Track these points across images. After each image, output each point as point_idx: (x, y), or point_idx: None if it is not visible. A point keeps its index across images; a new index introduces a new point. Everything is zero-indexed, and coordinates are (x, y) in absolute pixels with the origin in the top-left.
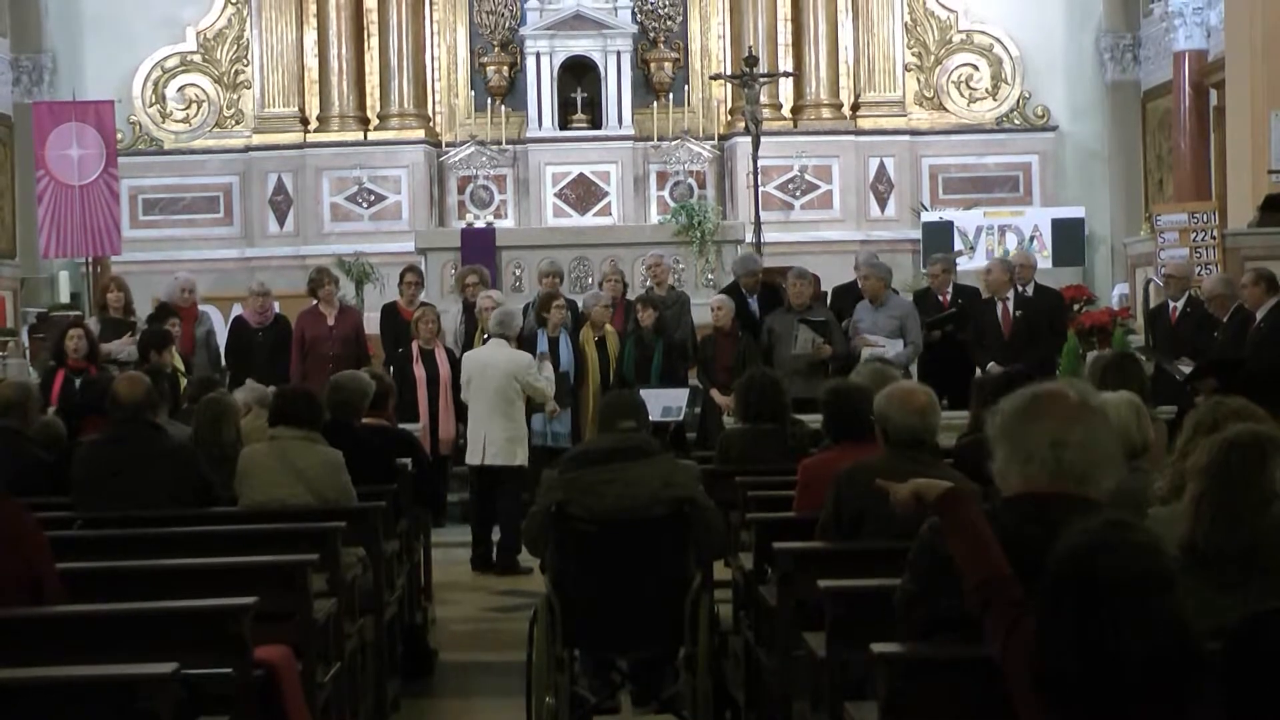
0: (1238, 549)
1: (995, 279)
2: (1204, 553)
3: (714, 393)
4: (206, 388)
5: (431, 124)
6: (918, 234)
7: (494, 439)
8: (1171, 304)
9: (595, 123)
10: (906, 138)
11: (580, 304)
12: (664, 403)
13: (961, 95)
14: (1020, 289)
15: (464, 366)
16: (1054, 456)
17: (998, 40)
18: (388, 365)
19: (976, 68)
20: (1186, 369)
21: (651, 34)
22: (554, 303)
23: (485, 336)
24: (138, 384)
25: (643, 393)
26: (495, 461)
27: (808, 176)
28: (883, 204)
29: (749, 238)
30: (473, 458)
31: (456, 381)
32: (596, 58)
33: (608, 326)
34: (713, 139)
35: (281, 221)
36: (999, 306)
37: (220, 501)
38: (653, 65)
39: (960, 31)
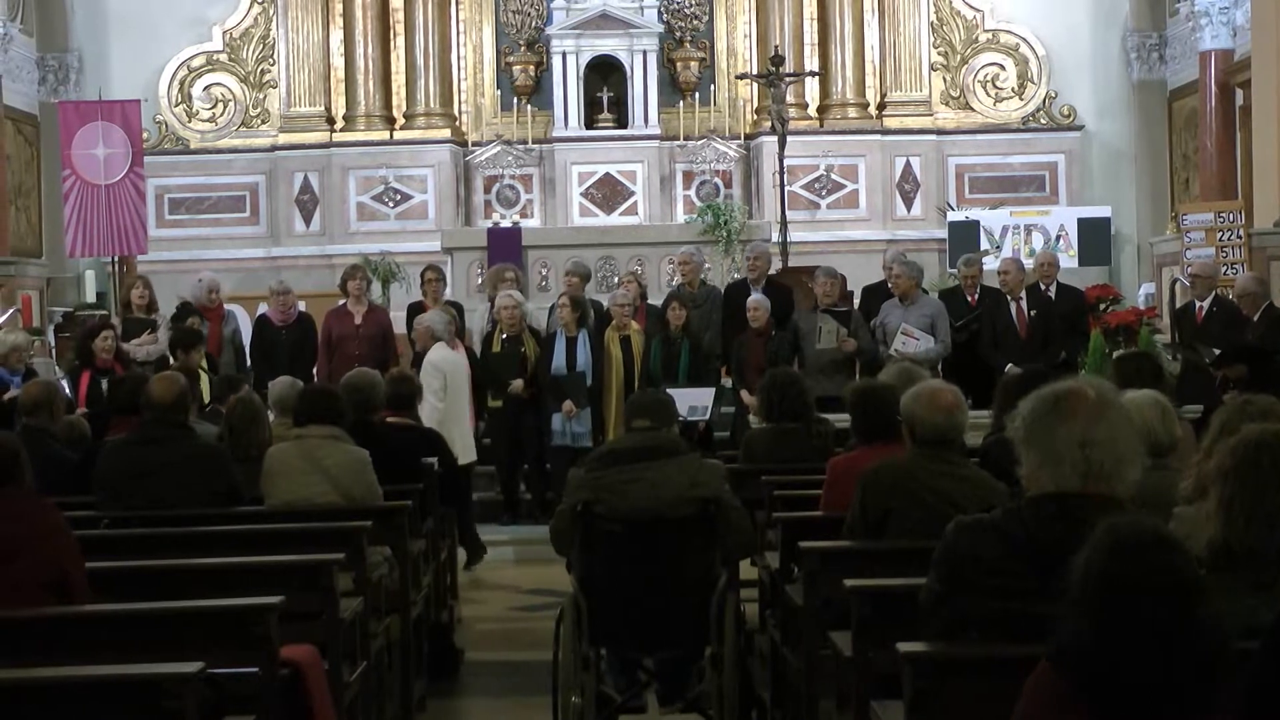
0: (1273, 550)
1: (1013, 278)
2: (1238, 554)
3: (743, 393)
4: (232, 387)
5: (457, 123)
6: (944, 233)
7: (467, 434)
8: (1198, 303)
9: (621, 122)
10: (933, 137)
11: (606, 303)
12: (690, 402)
13: (988, 94)
14: (1043, 288)
15: (440, 369)
16: (1084, 457)
17: (1024, 40)
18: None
19: (1003, 67)
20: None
21: (678, 33)
22: (558, 301)
23: (504, 335)
24: (173, 384)
25: (669, 392)
26: (471, 458)
27: (834, 176)
28: (909, 203)
29: (775, 237)
30: (464, 457)
31: (476, 379)
32: (623, 57)
33: (633, 325)
34: (739, 138)
35: (307, 221)
36: (1013, 306)
37: (246, 503)
38: (679, 64)
39: (986, 31)
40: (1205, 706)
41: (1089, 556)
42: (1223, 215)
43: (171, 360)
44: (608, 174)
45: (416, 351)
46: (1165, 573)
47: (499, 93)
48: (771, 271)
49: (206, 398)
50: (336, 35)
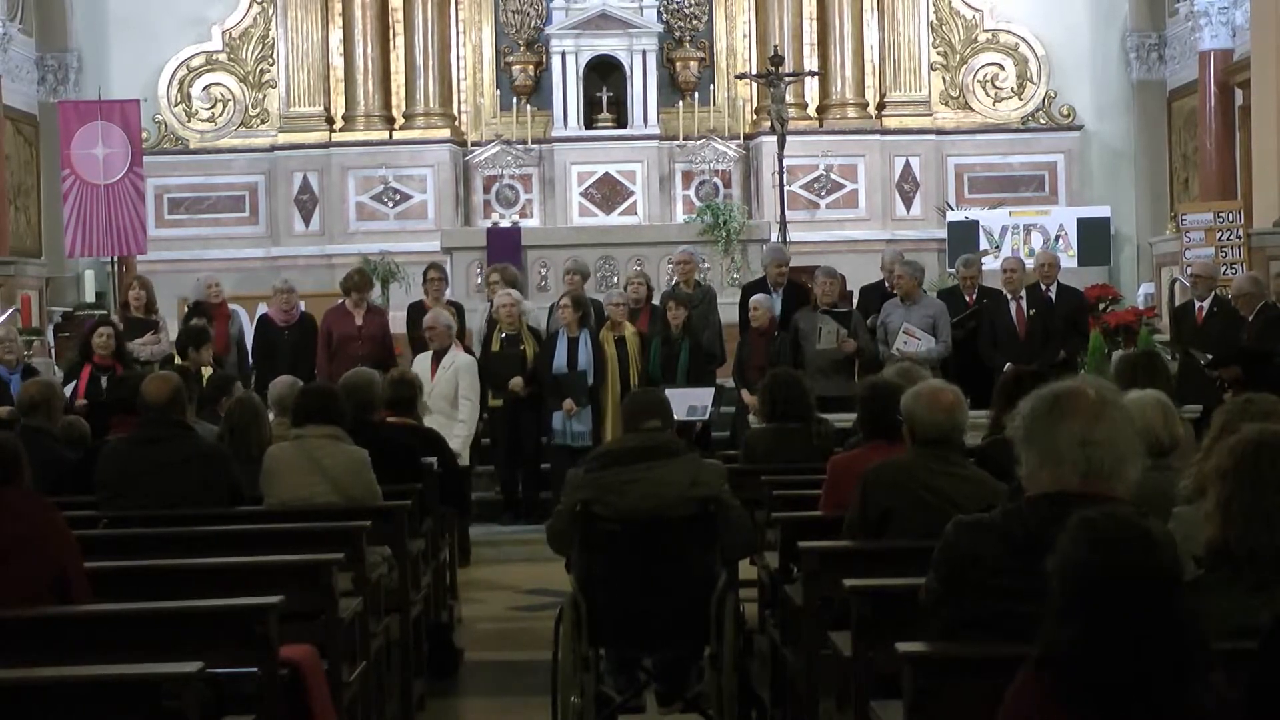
0: (1272, 550)
1: (1018, 277)
2: (1236, 555)
3: (743, 393)
4: (222, 389)
5: (457, 123)
6: (943, 233)
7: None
8: (1198, 303)
9: (621, 122)
10: (932, 137)
11: (604, 302)
12: (689, 401)
13: (987, 94)
14: (1043, 288)
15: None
16: (1084, 456)
17: (1023, 39)
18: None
19: (1002, 67)
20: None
21: (677, 33)
22: (560, 301)
23: (503, 335)
24: (166, 384)
25: (668, 392)
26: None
27: (833, 176)
28: (908, 203)
29: (774, 237)
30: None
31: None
32: (622, 57)
33: (628, 326)
34: (738, 138)
35: (307, 221)
36: (1012, 306)
37: (246, 503)
38: (678, 64)
39: (986, 31)
40: (1186, 701)
41: (1068, 555)
42: (1222, 215)
43: (182, 359)
44: (607, 174)
45: (435, 350)
46: (1148, 565)
47: (498, 93)
48: None
49: None
50: (336, 35)
